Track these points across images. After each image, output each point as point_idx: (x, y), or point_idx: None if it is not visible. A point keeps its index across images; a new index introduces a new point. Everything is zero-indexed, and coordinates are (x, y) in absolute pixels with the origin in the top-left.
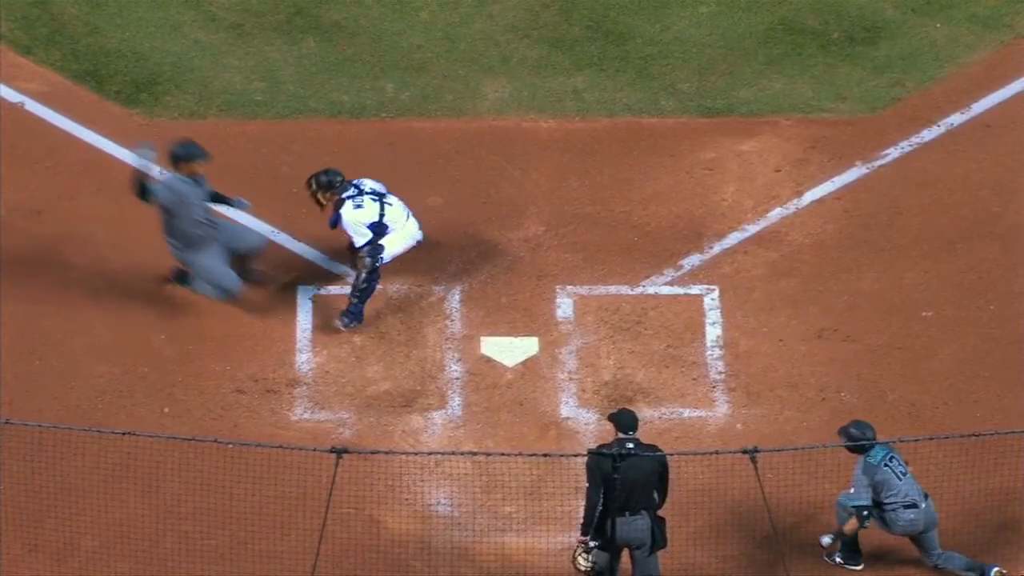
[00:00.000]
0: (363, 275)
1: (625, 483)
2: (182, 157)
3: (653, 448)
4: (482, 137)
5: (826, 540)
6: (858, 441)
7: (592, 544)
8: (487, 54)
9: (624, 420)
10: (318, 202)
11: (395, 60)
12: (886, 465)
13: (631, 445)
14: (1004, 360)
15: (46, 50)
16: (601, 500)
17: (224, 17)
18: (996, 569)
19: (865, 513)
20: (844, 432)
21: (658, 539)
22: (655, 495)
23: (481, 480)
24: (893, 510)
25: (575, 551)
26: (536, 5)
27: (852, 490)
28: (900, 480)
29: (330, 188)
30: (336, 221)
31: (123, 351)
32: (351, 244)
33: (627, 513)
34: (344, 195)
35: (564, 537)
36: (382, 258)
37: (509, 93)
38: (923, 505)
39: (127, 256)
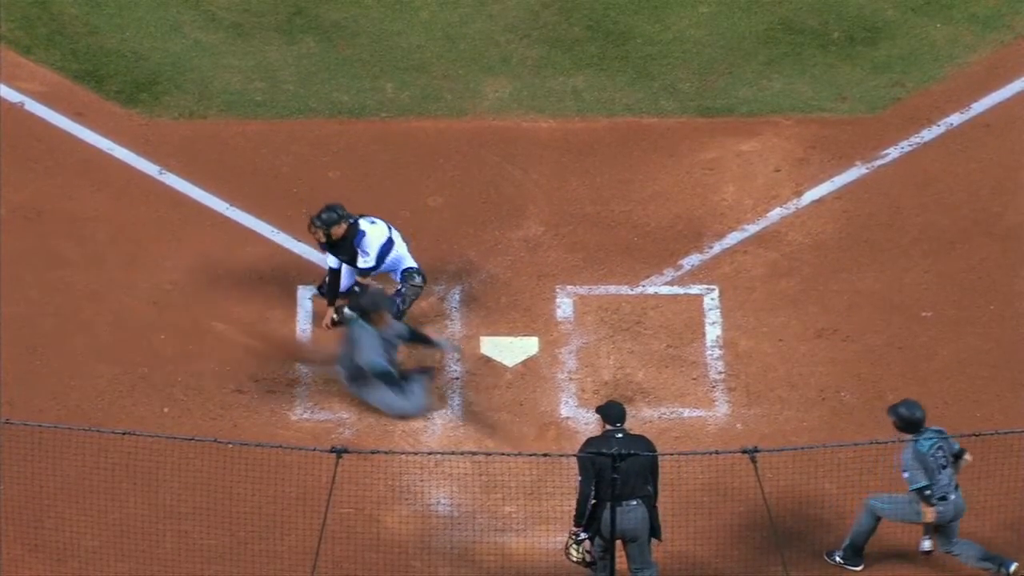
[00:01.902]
0: (409, 299)
1: (619, 474)
2: (371, 308)
3: (641, 438)
4: (482, 137)
5: (926, 544)
6: (907, 421)
7: (584, 536)
8: (487, 54)
9: (612, 412)
10: (328, 238)
11: (395, 60)
12: (932, 455)
13: (620, 436)
14: (1004, 360)
15: (46, 50)
16: (593, 492)
17: (224, 17)
18: (1015, 565)
19: (928, 493)
20: (894, 412)
21: (656, 529)
22: (649, 485)
23: (481, 480)
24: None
25: (567, 542)
26: (536, 5)
27: (906, 474)
28: (939, 473)
29: (339, 219)
30: (362, 238)
31: (123, 351)
32: (364, 273)
33: (622, 502)
34: (353, 219)
35: (564, 537)
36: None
37: (509, 93)
38: (953, 496)
39: (127, 256)
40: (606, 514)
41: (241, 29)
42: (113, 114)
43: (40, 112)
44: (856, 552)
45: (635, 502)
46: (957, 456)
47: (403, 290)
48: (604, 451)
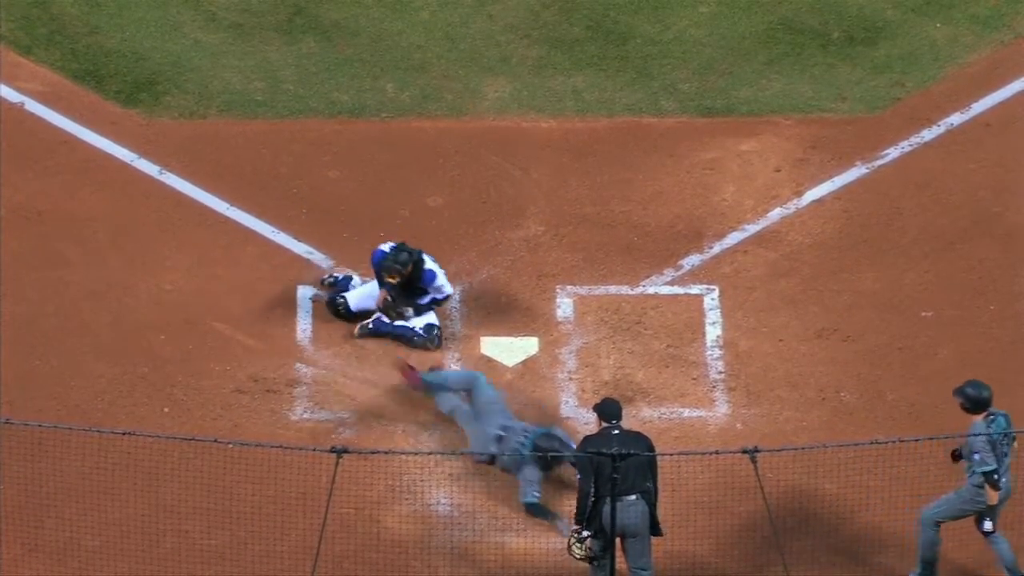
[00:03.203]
0: (414, 344)
1: (618, 472)
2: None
3: (639, 435)
4: (482, 137)
5: (988, 525)
6: (975, 401)
7: (585, 534)
8: (487, 54)
9: (608, 409)
10: (400, 276)
11: (395, 60)
12: (1000, 442)
13: (616, 432)
14: (1004, 360)
15: (46, 50)
16: (593, 490)
17: (224, 17)
18: None
19: (995, 477)
20: (960, 393)
21: (656, 525)
22: (648, 481)
23: (481, 480)
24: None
25: (569, 540)
26: (536, 5)
27: (977, 456)
28: (1001, 461)
29: (410, 259)
30: (432, 277)
31: (123, 351)
32: (431, 300)
33: (621, 498)
34: (418, 255)
35: (564, 537)
36: None
37: (509, 93)
38: (1004, 480)
39: (127, 256)
40: (606, 510)
41: (241, 29)
42: (113, 114)
43: (40, 112)
44: (931, 568)
45: (634, 497)
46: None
47: (417, 337)
48: (604, 451)
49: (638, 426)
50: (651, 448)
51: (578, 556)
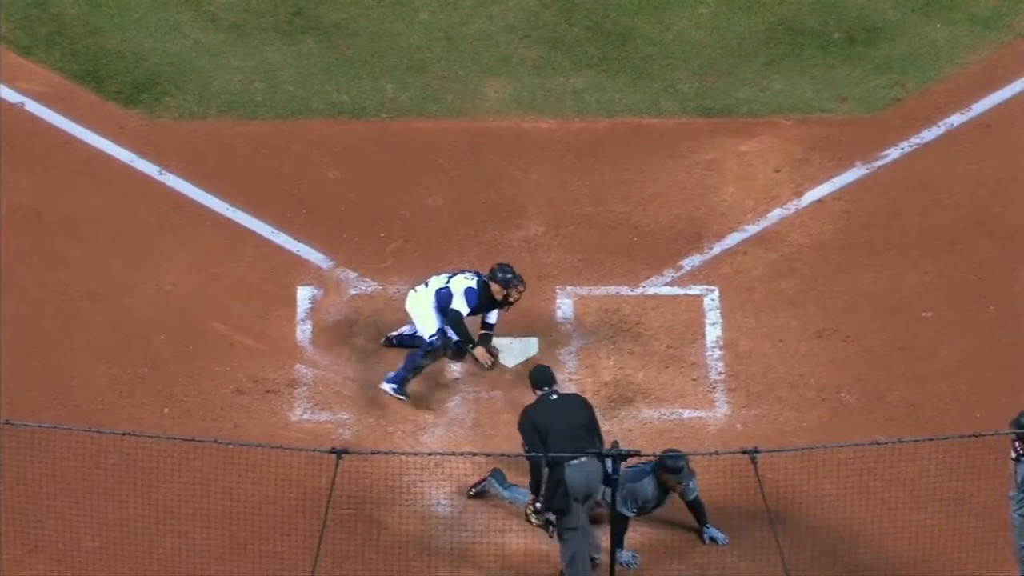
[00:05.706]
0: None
1: (558, 436)
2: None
3: (574, 396)
4: (482, 137)
5: None
6: None
7: (538, 506)
8: (487, 54)
9: (540, 377)
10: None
11: (395, 60)
12: None
13: (554, 397)
14: (1004, 360)
15: (46, 50)
16: (543, 458)
17: (224, 17)
18: None
19: None
20: (1017, 424)
21: (611, 480)
22: (595, 439)
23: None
24: None
25: (526, 509)
26: (536, 5)
27: None
28: None
29: None
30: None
31: (123, 351)
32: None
33: (570, 462)
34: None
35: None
36: None
37: (509, 93)
38: None
39: (127, 256)
40: (569, 471)
41: (241, 29)
42: (113, 114)
43: (40, 112)
44: None
45: (584, 458)
46: None
47: (436, 341)
48: (605, 452)
49: (638, 427)
50: (588, 406)
51: (535, 523)
